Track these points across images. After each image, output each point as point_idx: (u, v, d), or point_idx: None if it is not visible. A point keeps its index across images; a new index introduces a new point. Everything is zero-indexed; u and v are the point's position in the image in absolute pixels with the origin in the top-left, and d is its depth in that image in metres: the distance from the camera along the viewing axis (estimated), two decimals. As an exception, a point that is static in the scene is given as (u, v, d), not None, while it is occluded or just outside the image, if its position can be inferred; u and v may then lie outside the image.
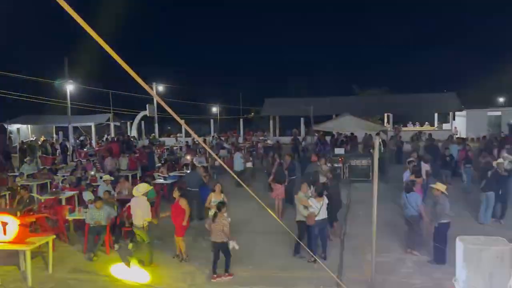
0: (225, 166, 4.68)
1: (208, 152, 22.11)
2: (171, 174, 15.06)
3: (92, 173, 15.32)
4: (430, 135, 21.08)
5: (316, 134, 24.77)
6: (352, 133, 22.42)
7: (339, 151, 18.68)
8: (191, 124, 42.91)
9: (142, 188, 8.61)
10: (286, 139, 29.55)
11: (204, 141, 25.53)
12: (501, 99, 43.36)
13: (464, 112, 32.22)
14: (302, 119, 34.09)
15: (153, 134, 34.49)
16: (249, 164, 16.58)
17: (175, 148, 24.29)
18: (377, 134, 22.12)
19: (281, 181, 11.74)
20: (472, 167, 14.15)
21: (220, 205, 7.84)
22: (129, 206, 9.83)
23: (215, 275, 7.68)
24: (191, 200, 10.98)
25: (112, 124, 34.82)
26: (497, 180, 10.67)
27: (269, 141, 24.99)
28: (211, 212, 9.08)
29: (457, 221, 10.75)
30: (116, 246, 9.48)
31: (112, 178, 12.25)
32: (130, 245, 9.30)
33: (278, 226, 8.06)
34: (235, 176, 4.50)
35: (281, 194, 11.71)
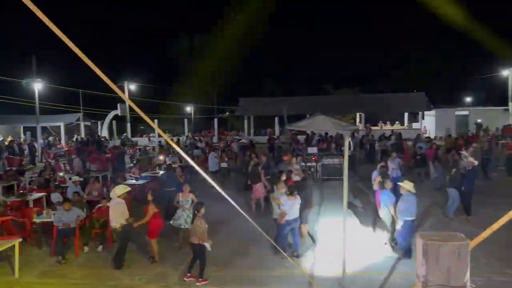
0: (197, 167, 4.66)
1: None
2: (143, 174, 14.86)
3: (61, 174, 14.95)
4: (400, 134, 21.60)
5: (289, 134, 24.99)
6: (326, 133, 22.71)
7: (312, 150, 18.90)
8: (164, 123, 42.46)
9: (118, 190, 8.59)
10: (260, 139, 29.71)
11: (178, 141, 25.33)
12: (468, 99, 44.84)
13: (433, 112, 33.14)
14: (276, 119, 34.32)
15: (125, 134, 33.93)
16: (224, 164, 16.57)
17: (148, 148, 23.95)
18: (352, 134, 22.52)
19: (257, 181, 11.75)
20: (441, 165, 14.60)
21: (198, 206, 7.67)
22: (99, 207, 9.76)
23: (188, 274, 7.64)
24: (168, 200, 10.92)
25: (82, 124, 34.04)
26: (460, 178, 11.05)
27: (243, 140, 25.03)
28: (180, 213, 9.08)
29: (428, 217, 11.13)
30: (86, 249, 9.29)
31: (81, 179, 11.98)
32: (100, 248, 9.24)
33: (252, 226, 8.10)
34: (206, 176, 4.47)
35: (261, 194, 11.74)
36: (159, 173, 15.11)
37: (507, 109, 31.50)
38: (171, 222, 9.15)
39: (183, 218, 8.99)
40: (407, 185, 8.45)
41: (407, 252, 8.26)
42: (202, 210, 7.57)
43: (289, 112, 29.23)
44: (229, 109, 48.35)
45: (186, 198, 9.14)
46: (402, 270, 7.79)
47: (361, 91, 42.82)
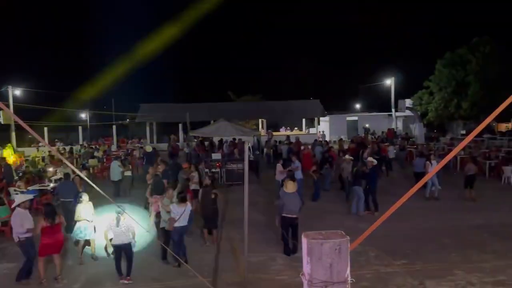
0: (86, 179, 4.38)
1: (76, 161, 20.45)
2: (31, 188, 13.49)
3: None
4: (297, 139, 22.76)
5: (195, 140, 24.80)
6: (234, 138, 23.02)
7: (216, 156, 19.02)
8: (57, 132, 39.12)
9: (18, 199, 8.10)
10: (164, 146, 28.97)
11: (71, 150, 23.54)
12: (357, 105, 48.85)
13: (327, 118, 35.56)
14: (180, 125, 33.80)
15: (9, 143, 30.54)
16: (128, 173, 15.75)
17: (37, 158, 21.85)
18: (258, 140, 23.09)
19: (160, 192, 11.33)
20: (330, 167, 15.71)
21: (119, 210, 7.63)
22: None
23: (122, 276, 7.66)
24: (67, 211, 10.16)
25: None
26: (362, 176, 12.09)
27: (147, 148, 24.05)
28: (82, 224, 8.56)
29: (328, 215, 11.83)
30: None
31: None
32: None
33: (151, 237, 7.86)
34: (97, 188, 4.20)
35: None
36: (49, 185, 13.89)
37: (391, 115, 35.03)
38: (74, 237, 8.66)
39: (87, 230, 8.59)
40: (288, 185, 9.10)
41: (286, 248, 8.89)
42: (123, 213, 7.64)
43: (193, 119, 29.06)
44: (129, 115, 46.21)
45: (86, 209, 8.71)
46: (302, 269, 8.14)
47: (263, 98, 44.15)
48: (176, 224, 8.26)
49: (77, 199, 9.30)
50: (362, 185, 12.05)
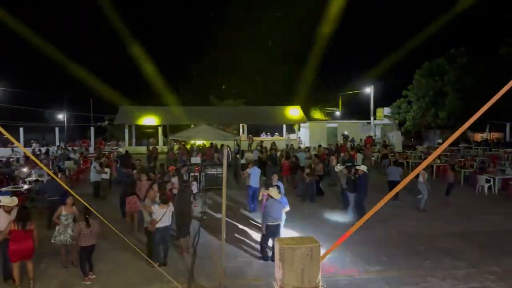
0: (60, 182, 4.28)
1: (52, 163, 20.01)
2: (3, 189, 13.12)
3: None
4: (273, 143, 22.95)
5: (176, 144, 24.60)
6: (211, 143, 23.01)
7: (196, 160, 18.90)
8: (34, 132, 38.25)
9: (4, 200, 7.76)
10: (143, 149, 28.68)
11: (47, 151, 23.04)
12: (337, 113, 49.38)
13: (307, 124, 35.80)
14: (159, 128, 33.50)
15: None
16: (105, 176, 15.59)
17: (11, 159, 21.28)
18: (238, 145, 23.03)
19: (132, 194, 11.20)
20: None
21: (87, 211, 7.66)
22: None
23: (86, 278, 7.73)
24: (52, 210, 9.95)
25: None
26: (354, 183, 12.33)
27: (120, 150, 23.82)
28: (63, 229, 8.33)
29: (307, 220, 11.85)
30: None
31: None
32: None
33: (132, 240, 7.74)
34: (71, 191, 4.12)
35: (136, 206, 11.24)
36: (23, 187, 13.57)
37: (369, 122, 35.53)
38: (52, 240, 8.38)
39: (67, 233, 8.30)
40: (271, 192, 9.07)
41: (263, 255, 8.92)
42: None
43: (173, 122, 28.86)
44: (108, 117, 45.44)
45: (70, 213, 8.46)
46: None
47: (245, 104, 44.14)
48: (158, 225, 8.26)
49: (64, 199, 9.11)
50: (352, 191, 12.26)
